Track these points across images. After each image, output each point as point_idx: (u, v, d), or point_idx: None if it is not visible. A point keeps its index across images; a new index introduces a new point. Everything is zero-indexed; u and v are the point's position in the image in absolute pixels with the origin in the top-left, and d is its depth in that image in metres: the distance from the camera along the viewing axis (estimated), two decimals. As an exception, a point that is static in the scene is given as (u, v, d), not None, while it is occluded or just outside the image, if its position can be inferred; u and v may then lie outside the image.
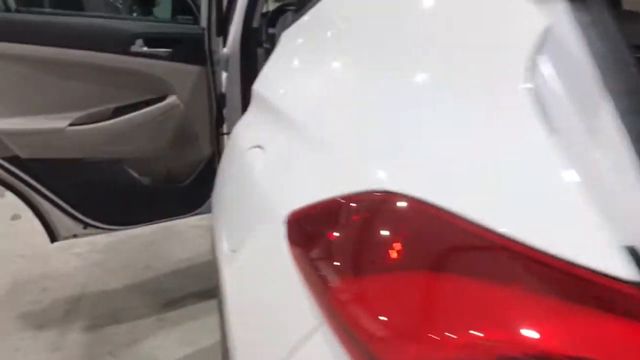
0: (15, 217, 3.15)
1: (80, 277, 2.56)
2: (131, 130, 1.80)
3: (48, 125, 1.67)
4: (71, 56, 1.63)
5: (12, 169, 1.72)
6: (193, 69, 1.84)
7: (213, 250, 1.00)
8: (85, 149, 1.76)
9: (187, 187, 2.02)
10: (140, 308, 2.32)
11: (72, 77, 1.67)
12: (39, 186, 1.78)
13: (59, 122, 1.69)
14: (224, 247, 0.82)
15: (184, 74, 1.83)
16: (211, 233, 1.08)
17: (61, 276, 2.57)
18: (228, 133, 2.17)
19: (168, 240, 2.86)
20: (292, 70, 0.89)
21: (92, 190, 1.88)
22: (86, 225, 1.97)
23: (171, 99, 1.84)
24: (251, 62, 2.07)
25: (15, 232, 3.02)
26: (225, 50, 2.08)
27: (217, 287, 1.02)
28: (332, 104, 0.66)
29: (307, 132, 0.65)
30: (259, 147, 0.80)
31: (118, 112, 1.79)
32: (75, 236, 2.01)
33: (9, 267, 2.67)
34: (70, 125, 1.70)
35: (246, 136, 0.95)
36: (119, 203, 1.94)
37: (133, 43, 1.71)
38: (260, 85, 1.06)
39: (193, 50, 1.83)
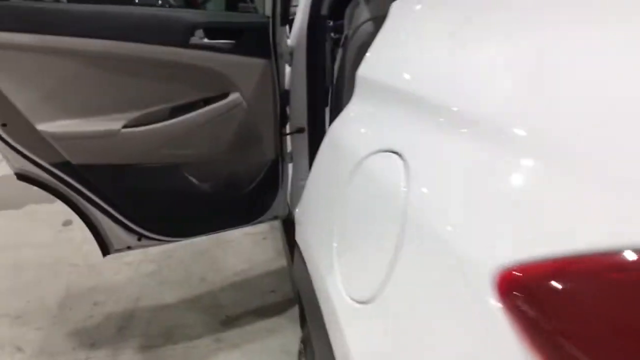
0: (66, 223, 3.05)
1: (132, 290, 2.41)
2: (190, 131, 1.61)
3: (101, 127, 1.49)
4: (125, 50, 1.45)
5: (62, 175, 1.55)
6: (257, 63, 1.63)
7: (311, 289, 0.77)
8: (140, 153, 1.58)
9: (250, 194, 1.81)
10: (196, 326, 2.14)
11: (126, 74, 1.49)
12: (90, 194, 1.62)
13: (112, 123, 1.51)
14: (339, 292, 0.59)
15: (247, 69, 1.62)
16: (306, 264, 0.85)
17: (113, 288, 2.42)
18: (292, 133, 1.95)
19: (221, 249, 2.67)
20: (433, 47, 0.64)
21: (148, 199, 1.70)
22: (141, 236, 1.79)
23: (233, 97, 1.63)
24: (319, 55, 1.84)
25: (66, 239, 2.91)
26: (289, 41, 1.86)
27: (313, 334, 0.79)
28: (538, 86, 0.42)
29: (505, 133, 0.41)
30: (392, 152, 0.56)
31: (175, 112, 1.60)
32: (129, 248, 1.85)
33: (61, 277, 2.55)
34: (125, 127, 1.52)
35: (360, 137, 0.71)
36: (177, 212, 1.76)
37: (192, 34, 1.51)
38: (373, 71, 0.82)
39: (257, 41, 1.61)
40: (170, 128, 1.57)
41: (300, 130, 1.95)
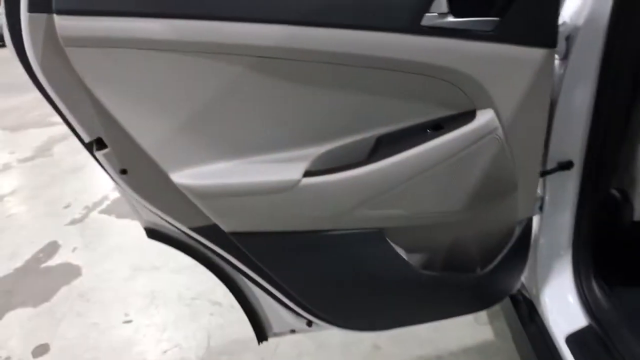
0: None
1: (287, 352, 1.86)
2: (411, 179, 0.93)
3: (270, 176, 0.88)
4: (311, 41, 0.81)
5: (208, 243, 0.99)
6: (531, 56, 0.90)
7: None
8: (327, 215, 0.95)
9: (491, 271, 1.10)
10: None
11: (312, 82, 0.86)
12: (246, 269, 1.03)
13: (287, 168, 0.89)
14: None
15: (513, 66, 0.90)
16: None
17: (263, 346, 1.89)
18: (554, 170, 1.19)
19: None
20: None
21: (331, 278, 1.07)
22: (311, 322, 1.19)
23: (485, 117, 0.93)
24: (630, 39, 1.05)
25: (208, 265, 2.47)
26: (565, 17, 1.10)
27: None
28: None
29: None
30: None
31: (384, 145, 0.94)
32: (292, 332, 1.26)
33: (201, 319, 2.10)
34: (307, 174, 0.89)
35: None
36: (373, 298, 1.12)
37: (427, 9, 0.83)
38: None
39: (535, 16, 0.88)
40: (379, 175, 0.91)
41: (565, 166, 1.19)
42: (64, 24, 0.71)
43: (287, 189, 0.87)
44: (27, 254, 2.74)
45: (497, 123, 0.94)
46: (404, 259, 1.03)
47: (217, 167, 0.85)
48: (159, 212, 0.92)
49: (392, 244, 1.02)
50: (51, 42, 0.73)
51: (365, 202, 0.93)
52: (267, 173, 0.87)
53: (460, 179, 0.96)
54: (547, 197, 1.25)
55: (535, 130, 0.98)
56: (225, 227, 0.91)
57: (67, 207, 3.23)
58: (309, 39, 0.81)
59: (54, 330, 2.14)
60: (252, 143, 0.87)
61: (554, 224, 1.26)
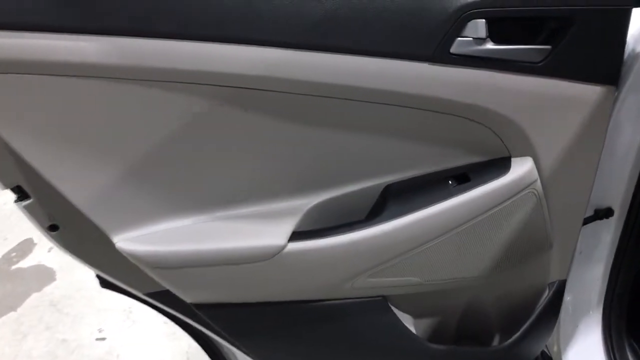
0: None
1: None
2: (427, 243, 0.74)
3: (243, 241, 0.68)
4: (307, 70, 0.61)
5: (168, 309, 0.80)
6: (588, 94, 0.70)
7: None
8: (320, 285, 0.76)
9: (511, 346, 0.91)
10: None
11: (300, 118, 0.67)
12: (219, 339, 0.85)
13: (266, 230, 0.69)
14: None
15: (563, 106, 0.71)
16: None
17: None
18: (592, 219, 1.00)
19: None
20: None
21: (321, 352, 0.88)
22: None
23: (522, 167, 0.74)
24: None
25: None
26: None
27: None
28: None
29: None
30: None
31: (394, 194, 0.74)
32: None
33: (180, 342, 1.92)
34: (295, 237, 0.69)
35: None
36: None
37: (458, 33, 0.62)
38: None
39: (594, 46, 0.67)
40: (387, 239, 0.72)
41: (604, 214, 1.00)
42: None
43: (268, 257, 0.68)
44: (-2, 253, 2.55)
45: (535, 175, 0.74)
46: (410, 330, 0.84)
47: (173, 228, 0.66)
48: (105, 276, 0.73)
49: (396, 312, 0.83)
50: None
51: (367, 271, 0.74)
52: (239, 236, 0.67)
53: (485, 241, 0.77)
54: (577, 247, 1.06)
55: (580, 182, 0.79)
56: (186, 298, 0.72)
57: (44, 201, 3.03)
58: (299, 67, 0.61)
59: (19, 345, 1.96)
60: (218, 195, 0.67)
61: (584, 278, 1.08)
